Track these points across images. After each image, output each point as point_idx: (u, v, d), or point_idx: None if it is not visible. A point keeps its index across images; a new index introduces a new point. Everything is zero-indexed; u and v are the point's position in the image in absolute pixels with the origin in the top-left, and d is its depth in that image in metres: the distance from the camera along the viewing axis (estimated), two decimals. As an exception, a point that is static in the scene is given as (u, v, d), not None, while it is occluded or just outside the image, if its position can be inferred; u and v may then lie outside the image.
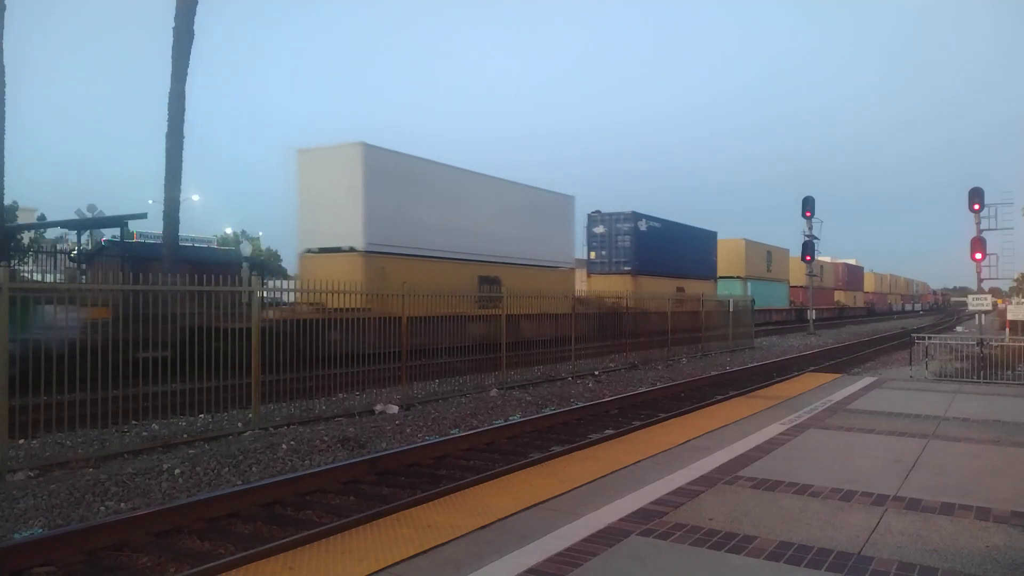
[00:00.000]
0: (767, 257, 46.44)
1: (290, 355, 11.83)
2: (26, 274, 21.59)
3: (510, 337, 16.56)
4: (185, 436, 9.54)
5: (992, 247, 23.59)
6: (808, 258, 41.21)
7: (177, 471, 7.83)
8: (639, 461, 6.66)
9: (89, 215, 26.08)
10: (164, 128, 17.02)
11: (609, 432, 9.97)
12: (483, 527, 4.78)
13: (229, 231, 55.83)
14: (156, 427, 9.87)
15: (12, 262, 20.63)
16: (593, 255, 32.57)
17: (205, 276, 10.09)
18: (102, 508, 6.72)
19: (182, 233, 19.07)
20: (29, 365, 8.36)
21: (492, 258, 22.26)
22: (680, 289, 31.37)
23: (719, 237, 39.83)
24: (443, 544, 4.45)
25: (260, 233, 59.90)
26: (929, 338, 16.92)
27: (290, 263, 50.34)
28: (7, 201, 19.23)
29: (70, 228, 23.46)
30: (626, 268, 31.58)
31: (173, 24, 17.31)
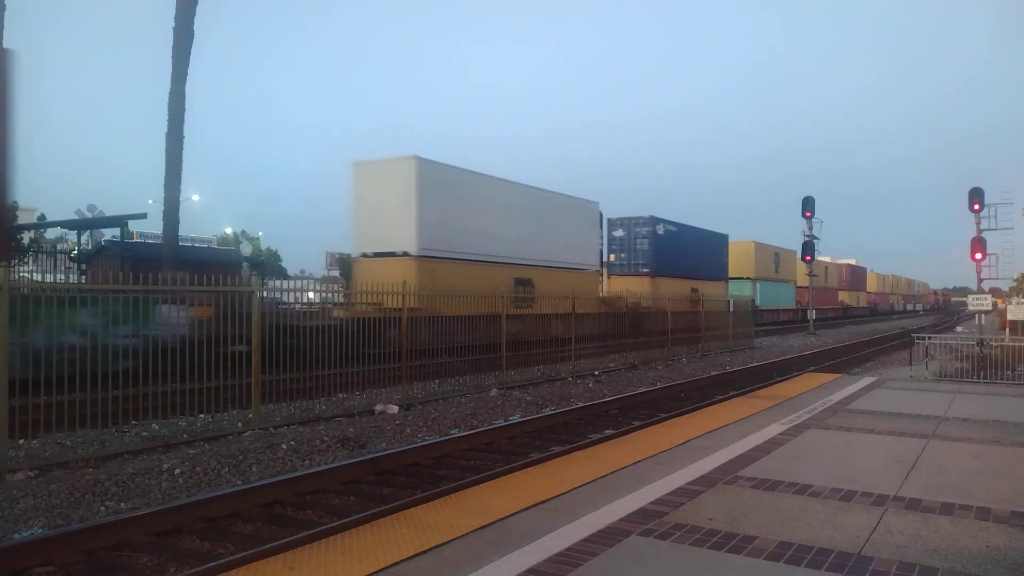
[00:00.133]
0: (775, 258, 47.82)
1: (358, 350, 12.73)
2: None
3: (541, 334, 17.83)
4: (185, 436, 9.53)
5: (992, 247, 23.59)
6: (808, 258, 41.42)
7: (177, 471, 7.83)
8: (639, 461, 6.66)
9: (89, 215, 26.10)
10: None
11: (609, 432, 9.96)
12: (483, 527, 4.78)
13: (229, 231, 55.87)
14: (156, 427, 9.86)
15: (12, 263, 20.58)
16: (613, 257, 33.96)
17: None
18: (102, 508, 6.72)
19: (182, 233, 19.08)
20: (150, 357, 9.47)
21: (526, 261, 23.81)
22: (694, 290, 32.30)
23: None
24: (443, 544, 4.45)
25: (260, 233, 59.99)
26: (929, 338, 16.92)
27: (290, 263, 50.37)
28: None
29: (70, 228, 23.47)
30: (645, 270, 33.03)
31: (173, 24, 17.32)
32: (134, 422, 9.81)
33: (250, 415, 10.53)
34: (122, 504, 6.86)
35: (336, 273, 36.18)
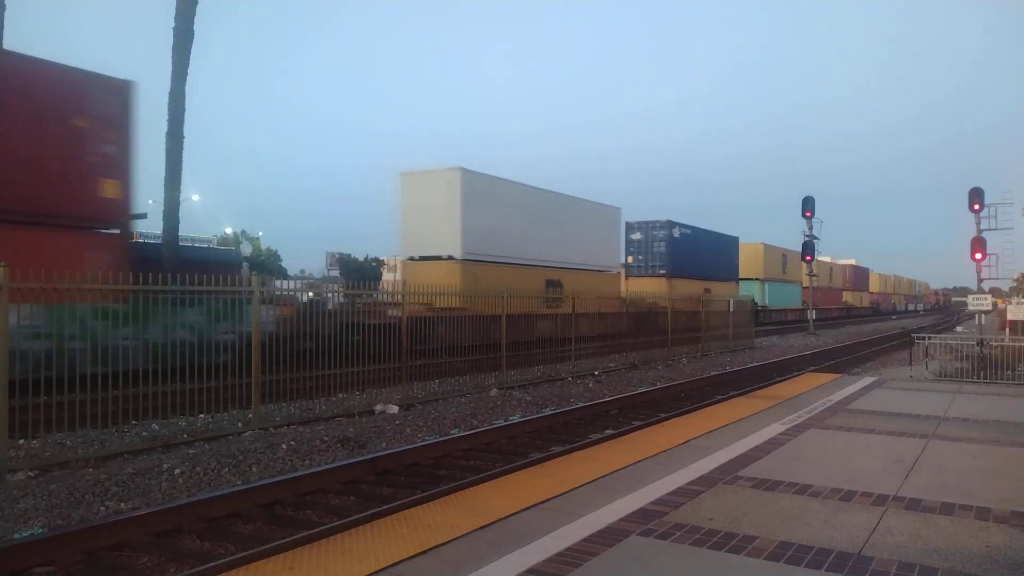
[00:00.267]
0: (782, 260, 49.01)
1: (410, 346, 13.69)
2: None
3: (568, 333, 19.16)
4: (185, 436, 9.54)
5: (992, 247, 23.56)
6: (808, 258, 41.48)
7: (177, 471, 7.83)
8: (639, 461, 6.66)
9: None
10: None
11: (609, 432, 9.96)
12: (483, 527, 4.78)
13: (229, 231, 55.82)
14: (156, 427, 9.87)
15: None
16: (631, 259, 35.27)
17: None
18: (102, 508, 6.72)
19: (182, 233, 19.04)
20: (240, 353, 10.66)
21: (556, 264, 25.58)
22: (707, 290, 33.25)
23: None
24: (443, 544, 4.45)
25: (260, 233, 59.90)
26: (929, 338, 16.92)
27: (290, 263, 50.35)
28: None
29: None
30: (661, 271, 34.39)
31: (173, 24, 17.30)
32: (134, 422, 9.82)
33: (250, 415, 10.54)
34: (122, 504, 6.86)
35: (336, 273, 36.21)
